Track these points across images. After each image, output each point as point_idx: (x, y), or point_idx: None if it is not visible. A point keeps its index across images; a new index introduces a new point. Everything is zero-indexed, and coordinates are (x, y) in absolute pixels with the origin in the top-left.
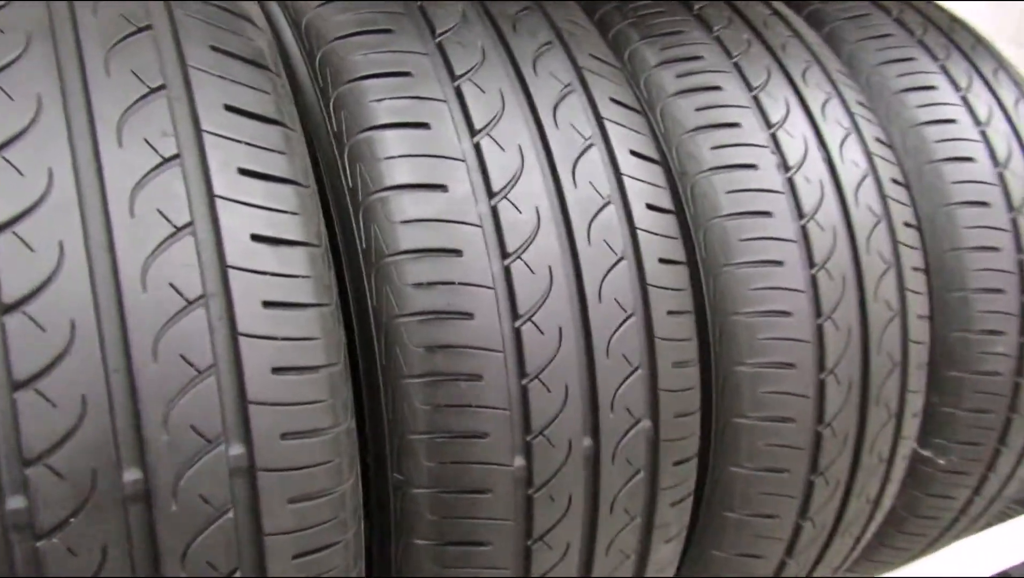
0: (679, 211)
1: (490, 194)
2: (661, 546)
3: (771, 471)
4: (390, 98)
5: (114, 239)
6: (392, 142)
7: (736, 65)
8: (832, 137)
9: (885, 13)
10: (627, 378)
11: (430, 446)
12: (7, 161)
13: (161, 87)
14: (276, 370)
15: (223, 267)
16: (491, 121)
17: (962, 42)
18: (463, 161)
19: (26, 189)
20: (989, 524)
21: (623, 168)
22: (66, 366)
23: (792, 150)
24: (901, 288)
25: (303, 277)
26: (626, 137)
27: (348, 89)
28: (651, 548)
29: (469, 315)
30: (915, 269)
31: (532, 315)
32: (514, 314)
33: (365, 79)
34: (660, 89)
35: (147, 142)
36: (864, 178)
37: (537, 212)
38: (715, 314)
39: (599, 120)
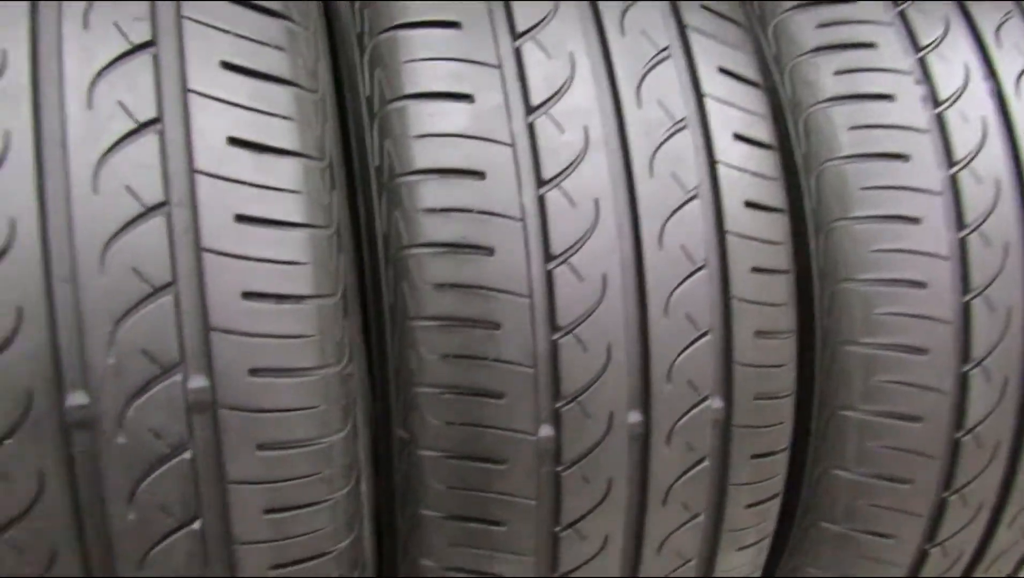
0: (786, 149)
1: (528, 109)
2: (732, 554)
3: (888, 480)
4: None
5: (67, 132)
6: (415, 43)
7: None
8: (1007, 66)
9: None
10: (692, 344)
11: (438, 401)
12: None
13: None
14: (248, 295)
15: (191, 171)
16: (539, 23)
17: None
18: (498, 68)
19: None
20: None
21: (706, 88)
22: (1, 270)
23: (946, 80)
24: None
25: (290, 192)
26: (716, 52)
27: None
28: (718, 554)
29: (489, 250)
30: None
31: (569, 256)
32: (546, 254)
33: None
34: (775, 2)
35: (116, 26)
36: None
37: (585, 133)
38: (824, 279)
39: (682, 29)
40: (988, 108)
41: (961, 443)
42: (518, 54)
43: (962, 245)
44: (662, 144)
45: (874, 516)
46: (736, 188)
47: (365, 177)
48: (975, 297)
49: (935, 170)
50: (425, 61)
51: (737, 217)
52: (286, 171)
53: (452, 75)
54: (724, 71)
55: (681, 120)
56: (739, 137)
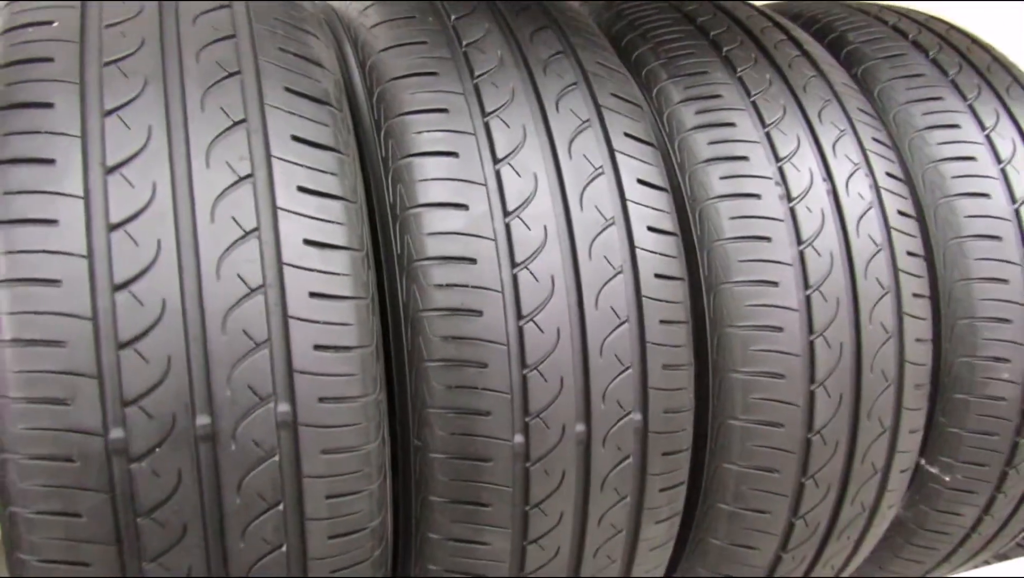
0: (686, 234)
1: (505, 213)
2: (652, 526)
3: (762, 470)
4: (428, 131)
5: (197, 238)
6: (426, 167)
7: (753, 103)
8: (839, 171)
9: (922, 53)
10: (618, 375)
11: (444, 419)
12: (123, 176)
13: (242, 121)
14: (317, 347)
15: (279, 264)
16: (512, 151)
17: (997, 82)
18: (484, 185)
19: (135, 197)
20: (1019, 545)
21: (628, 194)
22: (157, 333)
23: (797, 182)
24: (899, 312)
25: (343, 275)
26: (635, 167)
27: (396, 122)
28: (641, 526)
29: (479, 313)
30: (916, 296)
31: (534, 316)
32: (518, 314)
33: (409, 115)
34: (680, 124)
35: (227, 164)
36: (868, 209)
37: (545, 230)
38: (714, 326)
39: (611, 152)
40: (826, 202)
41: (812, 441)
42: (498, 175)
43: (807, 301)
44: (597, 236)
45: (753, 497)
46: (649, 265)
47: (390, 261)
48: (817, 337)
49: (788, 247)
50: (433, 180)
51: (650, 285)
52: (341, 260)
53: (452, 190)
54: (641, 181)
55: (611, 218)
56: (652, 228)
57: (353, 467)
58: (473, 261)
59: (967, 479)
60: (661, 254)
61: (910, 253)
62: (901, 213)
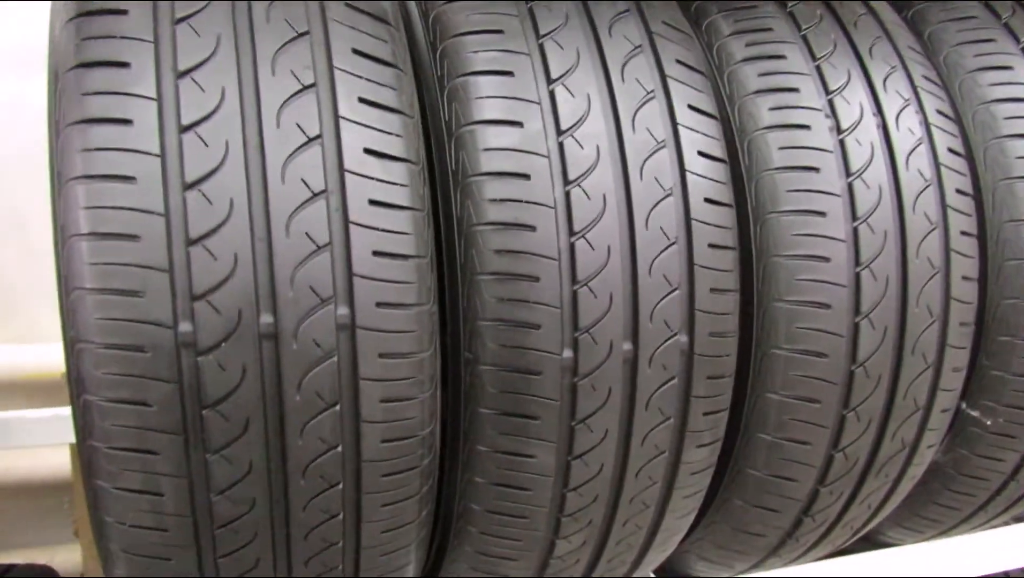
0: (735, 164)
1: (559, 132)
2: (694, 449)
3: (804, 400)
4: (484, 50)
5: (264, 142)
6: (481, 86)
7: (804, 37)
8: (890, 106)
9: None
10: (666, 296)
11: (495, 331)
12: (194, 81)
13: (306, 32)
14: (376, 253)
15: (341, 170)
16: (566, 72)
17: None
18: (538, 104)
19: (205, 101)
20: None
21: (679, 119)
22: (224, 232)
23: (847, 115)
24: (946, 248)
25: (401, 185)
26: (686, 93)
27: (451, 43)
28: (684, 449)
29: (532, 228)
30: (964, 233)
31: (585, 233)
32: (570, 231)
33: (465, 35)
34: (729, 56)
35: (292, 72)
36: (918, 145)
37: (597, 149)
38: (760, 255)
39: (663, 77)
40: (876, 136)
41: (855, 373)
42: (552, 95)
43: (855, 232)
44: (648, 157)
45: (793, 427)
46: (699, 189)
47: (445, 177)
48: (863, 269)
49: (837, 179)
50: (488, 98)
51: (699, 209)
52: (399, 171)
53: (506, 108)
54: (692, 107)
55: (662, 141)
56: (702, 153)
57: (407, 373)
58: (527, 177)
59: (1009, 423)
60: (711, 179)
61: (959, 191)
62: (951, 151)
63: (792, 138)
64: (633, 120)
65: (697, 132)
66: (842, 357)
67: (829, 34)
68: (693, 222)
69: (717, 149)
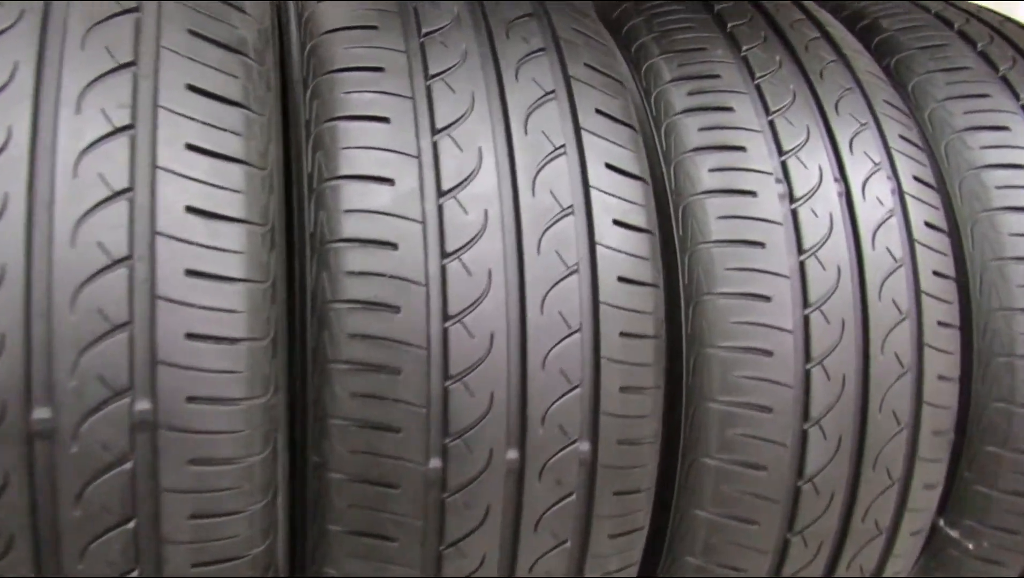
0: (666, 234)
1: (439, 192)
2: None
3: (739, 520)
4: (359, 91)
5: (55, 195)
6: (351, 133)
7: (758, 87)
8: (856, 170)
9: (968, 45)
10: (564, 395)
11: (347, 432)
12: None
13: (130, 63)
14: (191, 336)
15: (152, 232)
16: (455, 121)
17: None
18: (416, 157)
19: None
20: None
21: (593, 180)
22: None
23: (802, 180)
24: (919, 342)
25: (233, 252)
26: (605, 149)
27: (324, 80)
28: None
29: (396, 308)
30: (942, 324)
31: (463, 317)
32: (444, 314)
33: (341, 72)
34: (668, 106)
35: (103, 112)
36: (887, 218)
37: (485, 215)
38: (691, 344)
39: (577, 130)
40: (836, 205)
41: (801, 490)
42: (435, 147)
43: (805, 321)
44: (549, 226)
45: (726, 552)
46: (612, 266)
47: (302, 242)
48: (815, 366)
49: (786, 256)
50: (357, 149)
51: (611, 290)
52: (232, 235)
53: (378, 161)
54: (611, 166)
55: (567, 207)
56: (619, 223)
57: (229, 483)
58: (394, 246)
59: (996, 548)
60: (628, 254)
61: (937, 273)
62: (929, 225)
63: (735, 205)
64: (534, 181)
65: (614, 196)
66: (786, 470)
67: (788, 84)
68: (602, 306)
69: (640, 217)
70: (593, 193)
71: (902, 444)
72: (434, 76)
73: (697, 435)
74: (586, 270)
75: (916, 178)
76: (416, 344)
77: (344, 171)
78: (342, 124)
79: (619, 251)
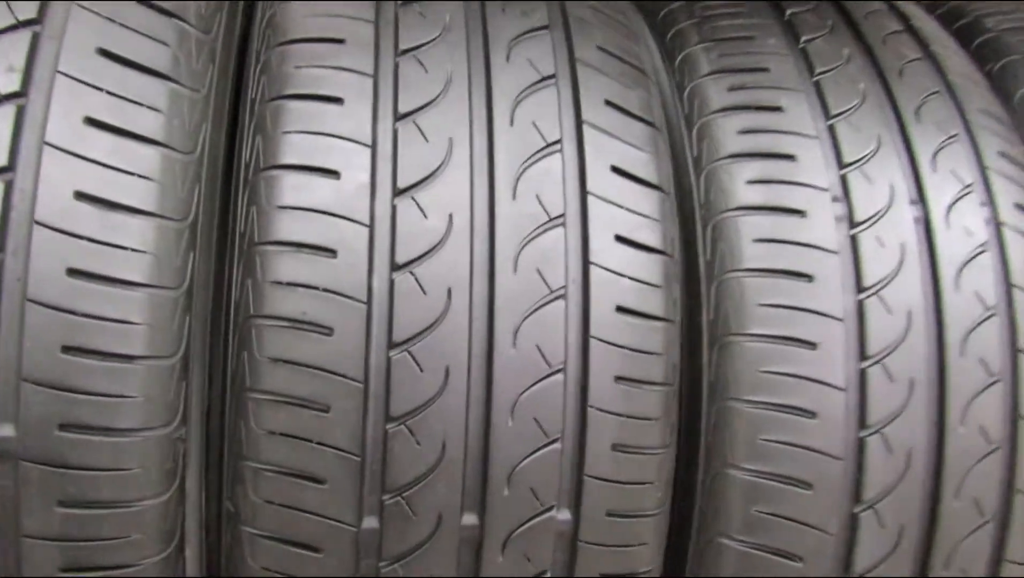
0: (690, 257)
1: (395, 190)
2: None
3: None
4: (308, 66)
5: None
6: (293, 115)
7: (817, 84)
8: (939, 192)
9: None
10: (537, 450)
11: (262, 478)
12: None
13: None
14: (68, 349)
15: (31, 222)
16: (424, 105)
17: None
18: (370, 147)
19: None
20: None
21: (592, 184)
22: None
23: (867, 199)
24: (1013, 414)
25: (136, 251)
26: (612, 149)
27: (276, 52)
28: None
29: (329, 330)
30: None
31: (412, 344)
32: (389, 340)
33: (294, 43)
34: (704, 102)
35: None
36: (978, 253)
37: (450, 220)
38: (712, 395)
39: (578, 123)
40: (910, 234)
41: None
42: (395, 135)
43: (861, 377)
44: (530, 239)
45: None
46: (609, 292)
47: (232, 243)
48: (872, 435)
49: (841, 294)
50: (298, 133)
51: (606, 322)
52: (133, 230)
53: (321, 149)
54: (617, 169)
55: (556, 216)
56: (621, 239)
57: (109, 531)
58: (332, 253)
59: None
60: (633, 278)
61: None
62: None
63: (778, 227)
64: (516, 182)
65: (619, 207)
66: (826, 562)
67: (856, 82)
68: (591, 341)
69: (651, 234)
70: (592, 201)
71: (985, 539)
72: (405, 51)
73: (716, 509)
74: (576, 295)
75: (1019, 206)
76: (351, 376)
77: (282, 159)
78: (287, 104)
79: (620, 274)
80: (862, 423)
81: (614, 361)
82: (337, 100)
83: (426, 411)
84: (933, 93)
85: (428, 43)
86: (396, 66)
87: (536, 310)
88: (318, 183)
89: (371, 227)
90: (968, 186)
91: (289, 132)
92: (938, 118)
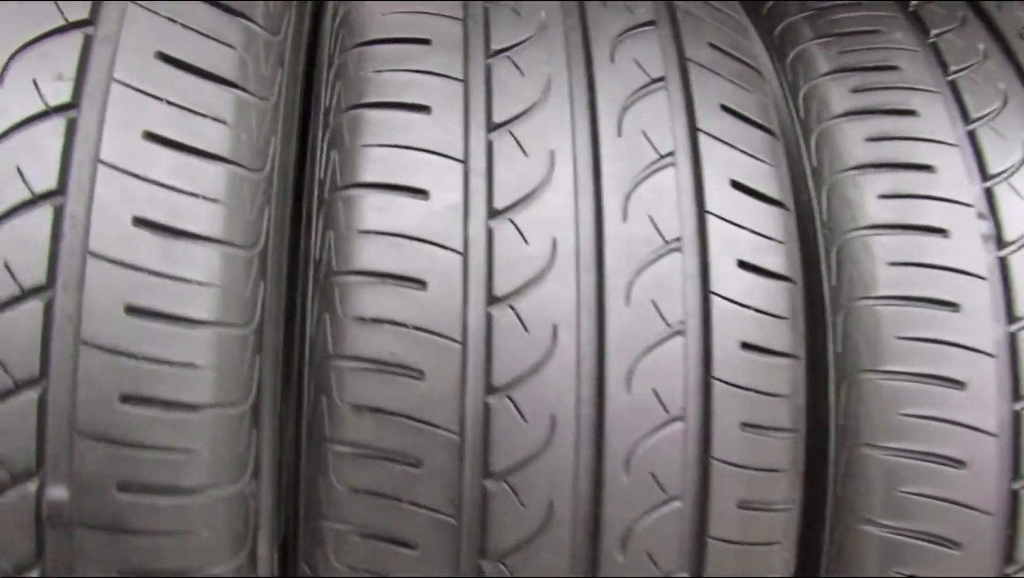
0: (812, 283)
1: (490, 211)
2: None
3: None
4: (390, 70)
5: None
6: (373, 125)
7: (952, 84)
8: None
9: None
10: (655, 509)
11: (344, 541)
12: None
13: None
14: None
15: (84, 252)
16: (521, 114)
17: None
18: (462, 162)
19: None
20: None
21: (711, 204)
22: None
23: (1018, 216)
24: None
25: (198, 284)
26: (730, 161)
27: (353, 55)
28: None
29: (419, 373)
30: None
31: (511, 389)
32: (488, 384)
33: (373, 44)
34: (824, 106)
35: (35, 84)
36: None
37: (554, 245)
38: (841, 442)
39: (692, 132)
40: None
41: None
42: (489, 148)
43: (1016, 419)
44: (645, 267)
45: None
46: (732, 326)
47: (306, 271)
48: None
49: (991, 325)
50: (381, 147)
51: (729, 361)
52: (198, 260)
53: (407, 165)
54: (738, 185)
55: (673, 240)
56: (746, 265)
57: None
58: (422, 284)
59: None
60: (758, 310)
61: None
62: None
63: (914, 248)
64: (627, 201)
65: (742, 228)
66: None
67: (997, 80)
68: (714, 382)
69: (777, 258)
70: (711, 221)
71: None
72: (497, 52)
73: (847, 570)
74: (696, 331)
75: None
76: (444, 426)
77: (362, 177)
78: (367, 113)
79: (745, 305)
80: (1016, 473)
81: (739, 406)
82: (423, 108)
83: (530, 465)
84: None
85: (523, 42)
86: (488, 69)
87: (652, 349)
88: (404, 204)
89: (465, 254)
90: None
91: (369, 145)
92: None
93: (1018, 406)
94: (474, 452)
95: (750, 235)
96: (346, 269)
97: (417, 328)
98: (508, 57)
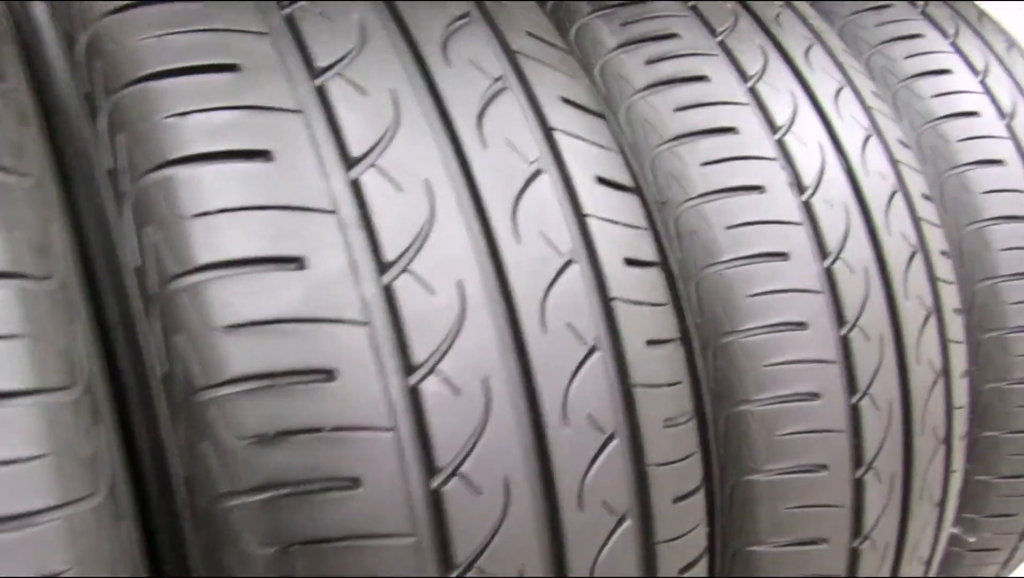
0: (662, 259)
1: (381, 266)
2: None
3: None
4: (199, 111)
5: None
6: (199, 186)
7: (723, 45)
8: (851, 141)
9: None
10: (610, 535)
11: None
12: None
13: None
14: None
15: None
16: (377, 142)
17: (967, 14)
18: (332, 213)
19: None
20: None
21: (587, 207)
22: None
23: (807, 162)
24: (943, 341)
25: None
26: (588, 157)
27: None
28: None
29: (353, 482)
30: (956, 311)
31: (457, 468)
32: (430, 469)
33: (157, 79)
34: (624, 81)
35: None
36: (892, 194)
37: (461, 291)
38: (717, 406)
39: (548, 133)
40: (846, 190)
41: (859, 550)
42: (356, 187)
43: (845, 345)
44: (551, 286)
45: None
46: (639, 326)
47: (146, 403)
48: (861, 398)
49: (813, 265)
50: (225, 213)
51: (641, 362)
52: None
53: (270, 229)
54: (604, 180)
55: (568, 252)
56: (631, 261)
57: None
58: (328, 375)
59: (993, 536)
60: (651, 304)
61: (943, 253)
62: (925, 197)
63: (741, 208)
64: (514, 224)
65: (618, 224)
66: (844, 536)
67: (753, 38)
68: (635, 389)
69: (647, 247)
70: (593, 224)
71: (939, 464)
72: (324, 71)
73: (740, 517)
74: (607, 343)
75: (901, 142)
76: (395, 534)
77: (207, 256)
78: (182, 172)
79: (641, 303)
80: (853, 390)
81: (661, 403)
82: (262, 154)
83: (493, 544)
84: (810, 41)
85: (348, 55)
86: (321, 92)
87: (577, 372)
88: (278, 279)
89: (368, 323)
90: (867, 130)
91: (205, 213)
92: (823, 64)
93: (844, 331)
94: (433, 548)
95: (626, 229)
96: (216, 381)
97: (337, 429)
98: (339, 75)
